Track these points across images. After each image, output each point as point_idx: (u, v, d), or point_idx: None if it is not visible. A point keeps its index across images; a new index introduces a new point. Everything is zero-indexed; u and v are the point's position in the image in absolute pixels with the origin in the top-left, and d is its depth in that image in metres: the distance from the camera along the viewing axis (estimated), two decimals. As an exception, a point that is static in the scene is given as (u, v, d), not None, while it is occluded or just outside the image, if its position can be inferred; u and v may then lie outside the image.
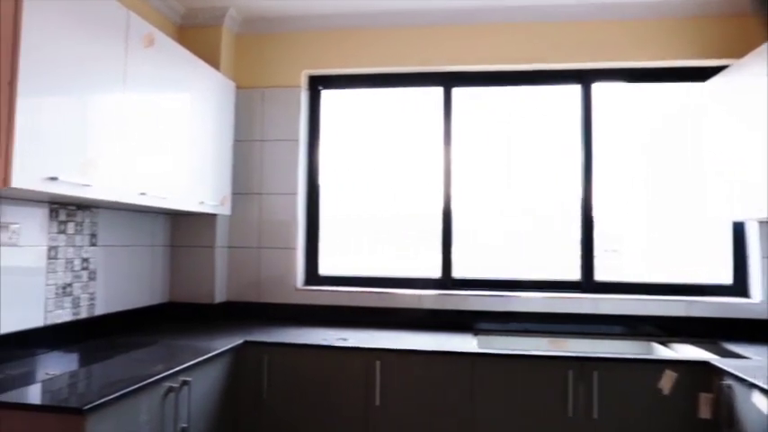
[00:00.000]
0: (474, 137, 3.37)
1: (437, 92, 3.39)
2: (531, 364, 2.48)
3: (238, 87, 3.38)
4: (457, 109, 3.37)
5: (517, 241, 3.33)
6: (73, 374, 2.03)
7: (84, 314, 2.56)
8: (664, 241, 3.24)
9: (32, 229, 2.27)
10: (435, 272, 3.32)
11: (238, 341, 2.64)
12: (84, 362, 2.24)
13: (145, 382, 1.92)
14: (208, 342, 2.61)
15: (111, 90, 2.20)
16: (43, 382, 1.92)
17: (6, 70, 1.74)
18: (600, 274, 3.20)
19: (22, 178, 1.75)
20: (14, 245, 2.19)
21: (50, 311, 2.36)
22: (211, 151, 3.03)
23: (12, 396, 1.74)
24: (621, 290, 3.14)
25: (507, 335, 3.07)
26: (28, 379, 1.94)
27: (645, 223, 3.29)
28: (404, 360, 2.55)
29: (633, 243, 3.30)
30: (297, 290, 3.31)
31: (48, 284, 2.35)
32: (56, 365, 2.13)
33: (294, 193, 3.35)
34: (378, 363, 2.54)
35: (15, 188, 1.75)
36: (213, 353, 2.40)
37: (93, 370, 2.12)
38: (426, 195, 3.37)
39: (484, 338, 2.97)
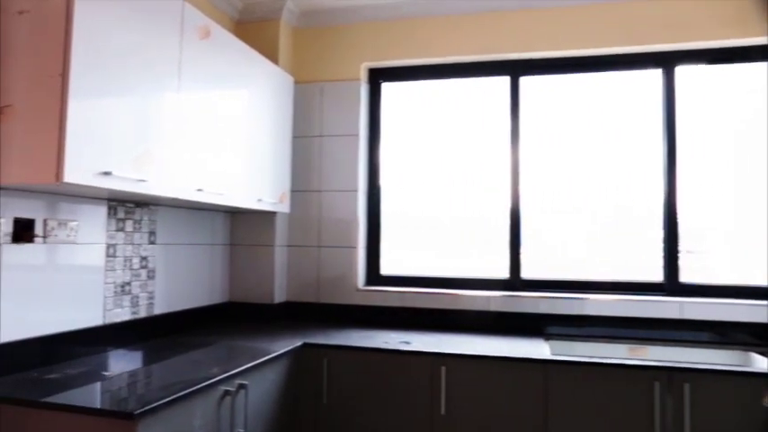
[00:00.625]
0: (544, 129, 3.16)
1: (504, 82, 3.20)
2: (612, 374, 2.26)
3: (297, 82, 3.29)
4: (525, 99, 3.17)
5: (592, 239, 3.10)
6: (129, 375, 1.98)
7: (143, 313, 2.53)
8: (754, 240, 2.93)
9: (91, 227, 2.24)
10: (503, 272, 3.12)
11: (297, 343, 2.55)
12: (141, 362, 2.19)
13: (200, 386, 1.84)
14: (266, 343, 2.52)
15: (165, 83, 2.13)
16: (98, 382, 1.87)
17: (58, 62, 1.69)
18: (684, 276, 2.93)
19: (74, 173, 1.70)
20: (73, 242, 2.16)
21: (109, 310, 2.33)
22: (270, 147, 2.95)
23: (66, 397, 1.68)
24: (710, 293, 2.86)
25: (582, 340, 2.84)
26: (84, 379, 1.89)
27: (732, 220, 2.99)
28: (471, 366, 2.38)
29: (718, 242, 3.00)
30: (358, 290, 3.20)
31: (106, 283, 2.32)
32: (113, 365, 2.08)
33: (354, 190, 3.23)
34: (443, 368, 2.38)
35: (69, 183, 1.69)
36: (271, 355, 2.30)
37: (150, 371, 2.07)
38: (493, 191, 3.19)
39: (557, 344, 2.76)
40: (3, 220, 1.89)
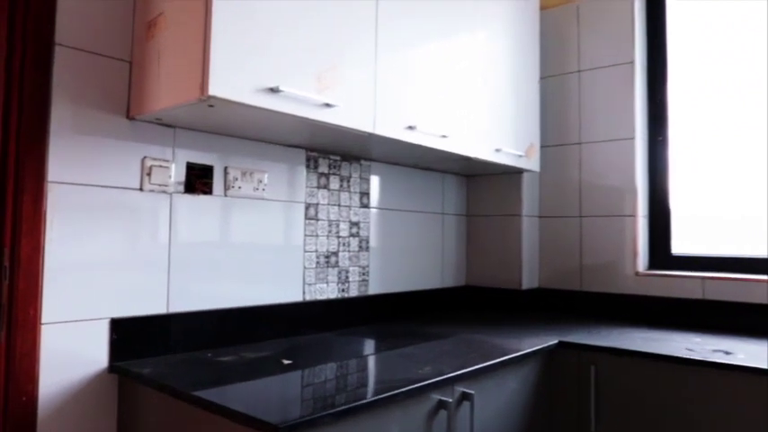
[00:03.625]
0: None
1: None
2: None
3: (543, 8, 2.54)
4: None
5: None
6: (313, 367, 1.47)
7: (353, 292, 2.05)
8: None
9: (284, 181, 1.83)
10: None
11: (551, 341, 1.81)
12: (336, 353, 1.68)
13: (396, 392, 1.24)
14: (508, 339, 1.84)
15: (359, -20, 1.60)
16: (270, 376, 1.39)
17: (201, -66, 1.26)
18: None
19: (224, 86, 1.24)
20: (261, 198, 1.75)
21: (310, 284, 1.89)
22: (510, 86, 2.25)
23: (218, 392, 1.23)
24: None
25: None
26: (257, 367, 1.44)
27: None
28: None
29: None
30: (638, 275, 2.31)
31: (307, 251, 1.89)
32: (301, 353, 1.61)
33: (630, 138, 2.35)
34: (801, 399, 1.42)
35: (218, 98, 1.24)
36: (510, 356, 1.61)
37: (343, 365, 1.53)
38: None
39: None
40: (173, 166, 1.55)
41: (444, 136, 1.86)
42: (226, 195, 1.66)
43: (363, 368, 1.49)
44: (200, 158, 1.61)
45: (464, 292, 2.56)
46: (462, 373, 1.42)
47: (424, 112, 1.79)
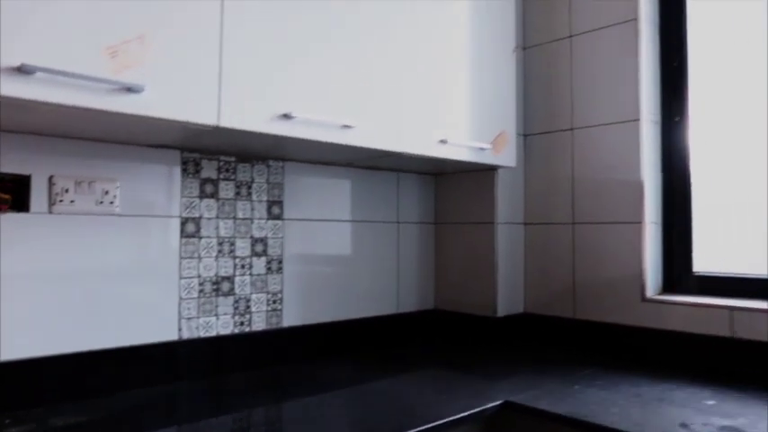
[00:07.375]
0: None
1: None
2: None
3: (531, -41, 2.03)
4: None
5: None
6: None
7: (259, 325, 1.64)
8: None
9: (147, 191, 1.44)
10: None
11: (492, 402, 1.32)
12: (153, 416, 1.28)
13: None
14: (435, 396, 1.37)
15: None
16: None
17: None
18: None
19: None
20: (109, 214, 1.38)
21: (190, 319, 1.50)
22: (467, 55, 1.76)
23: None
24: None
25: None
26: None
27: None
28: None
29: None
30: (645, 300, 1.76)
31: (184, 277, 1.50)
32: (129, 414, 1.23)
33: (634, 120, 1.80)
34: None
35: None
36: None
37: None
38: None
39: None
40: (-38, 176, 1.21)
41: (347, 126, 1.41)
42: (51, 212, 1.30)
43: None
44: (10, 166, 1.26)
45: (433, 318, 2.09)
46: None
47: (308, 89, 1.35)
